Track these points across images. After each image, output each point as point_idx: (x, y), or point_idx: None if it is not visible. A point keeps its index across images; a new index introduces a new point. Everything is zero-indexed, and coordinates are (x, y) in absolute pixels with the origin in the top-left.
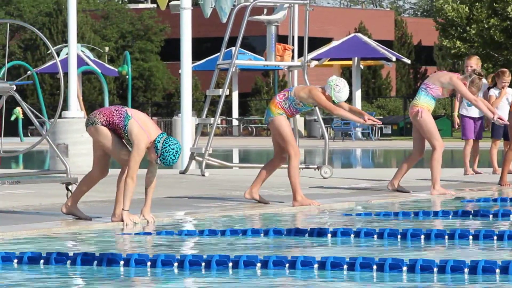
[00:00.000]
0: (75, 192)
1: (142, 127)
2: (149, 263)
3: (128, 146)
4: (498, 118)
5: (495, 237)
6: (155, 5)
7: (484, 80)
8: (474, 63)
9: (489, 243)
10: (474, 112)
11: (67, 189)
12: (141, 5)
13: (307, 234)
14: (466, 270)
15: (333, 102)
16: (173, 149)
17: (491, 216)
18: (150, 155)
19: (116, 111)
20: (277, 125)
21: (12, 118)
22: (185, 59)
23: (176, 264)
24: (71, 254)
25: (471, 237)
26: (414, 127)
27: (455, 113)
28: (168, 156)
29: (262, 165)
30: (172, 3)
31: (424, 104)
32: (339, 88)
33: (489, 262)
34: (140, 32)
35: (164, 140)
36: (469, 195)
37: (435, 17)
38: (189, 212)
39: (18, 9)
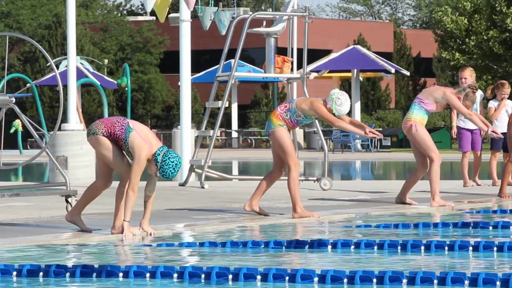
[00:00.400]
0: (79, 202)
1: (144, 139)
2: (148, 275)
3: (128, 158)
4: (492, 131)
5: (495, 248)
6: (154, 18)
7: (480, 92)
8: (468, 74)
9: (489, 254)
10: (471, 124)
11: (67, 201)
12: (140, 18)
13: (307, 246)
14: (466, 282)
15: (334, 115)
16: (172, 162)
17: (490, 227)
18: (150, 168)
19: (118, 122)
20: (278, 136)
21: (12, 130)
22: (184, 71)
23: (175, 275)
24: (70, 266)
25: (471, 248)
26: (411, 142)
27: (454, 124)
28: (168, 169)
29: (262, 177)
30: (171, 15)
31: (417, 118)
32: (341, 101)
33: (490, 274)
34: (139, 45)
35: (164, 153)
36: (469, 207)
37: (434, 29)
38: (188, 224)
39: (18, 21)
